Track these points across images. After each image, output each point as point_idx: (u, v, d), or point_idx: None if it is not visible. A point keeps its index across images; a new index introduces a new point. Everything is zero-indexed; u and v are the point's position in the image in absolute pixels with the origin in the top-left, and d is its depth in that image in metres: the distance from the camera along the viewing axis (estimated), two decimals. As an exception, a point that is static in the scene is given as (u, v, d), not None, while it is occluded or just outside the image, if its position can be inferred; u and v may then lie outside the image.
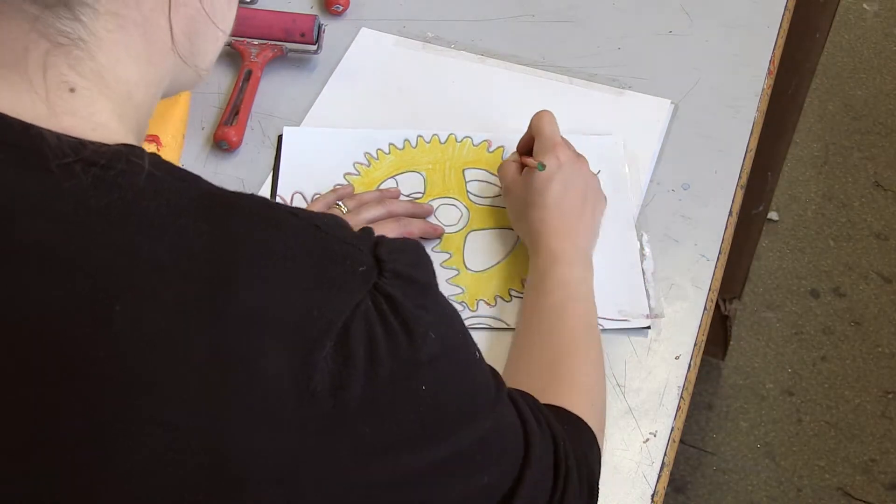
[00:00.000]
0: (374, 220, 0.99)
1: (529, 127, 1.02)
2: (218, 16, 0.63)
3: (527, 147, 1.01)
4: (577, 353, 0.86)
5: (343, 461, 0.54)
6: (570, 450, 0.72)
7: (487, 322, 0.97)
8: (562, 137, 1.00)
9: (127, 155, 0.55)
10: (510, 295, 0.99)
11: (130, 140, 0.59)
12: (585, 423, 0.79)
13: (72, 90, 0.56)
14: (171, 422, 0.51)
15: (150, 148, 1.01)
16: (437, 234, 1.03)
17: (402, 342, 0.55)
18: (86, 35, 0.56)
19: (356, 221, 0.97)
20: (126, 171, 0.54)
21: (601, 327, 0.95)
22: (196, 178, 0.56)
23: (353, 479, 0.55)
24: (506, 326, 0.96)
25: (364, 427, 0.54)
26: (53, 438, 0.51)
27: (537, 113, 1.01)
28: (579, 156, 1.00)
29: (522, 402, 0.70)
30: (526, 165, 0.99)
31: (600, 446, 0.80)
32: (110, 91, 0.58)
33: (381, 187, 1.06)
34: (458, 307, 0.97)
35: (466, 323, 0.94)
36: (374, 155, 1.09)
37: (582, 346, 0.87)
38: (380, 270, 0.56)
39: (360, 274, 0.55)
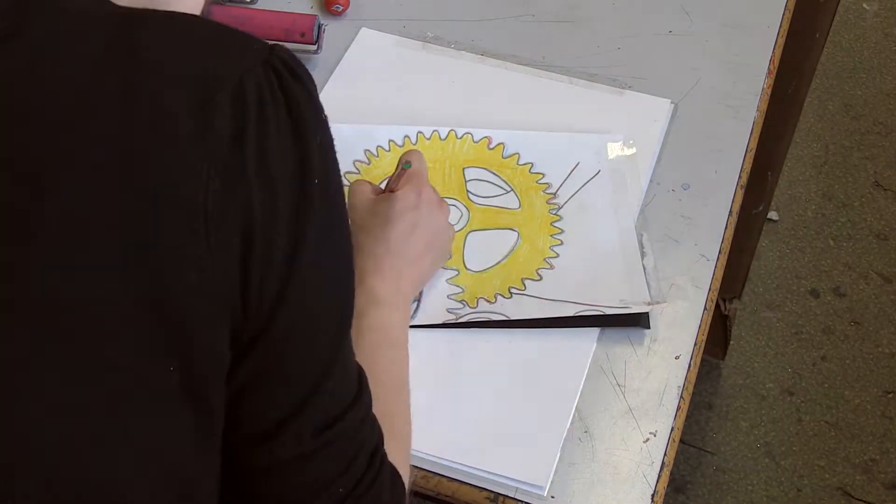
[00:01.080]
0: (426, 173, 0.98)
1: (398, 162, 0.98)
2: None
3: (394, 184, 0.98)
4: (393, 402, 0.82)
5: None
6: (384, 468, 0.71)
7: (487, 316, 0.97)
8: (427, 182, 0.96)
9: None
10: (510, 292, 0.99)
11: None
12: (400, 478, 0.74)
13: None
14: (94, 161, 0.55)
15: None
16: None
17: (283, 114, 0.59)
18: None
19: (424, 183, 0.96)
20: None
21: (601, 314, 0.95)
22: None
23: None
24: (506, 318, 0.97)
25: (257, 189, 0.57)
26: None
27: (408, 151, 0.99)
28: (442, 202, 0.96)
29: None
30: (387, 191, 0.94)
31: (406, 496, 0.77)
32: None
33: (381, 185, 1.06)
34: (458, 305, 0.97)
35: (466, 319, 0.96)
36: (375, 152, 1.09)
37: (397, 395, 0.83)
38: (271, 52, 0.60)
39: (253, 50, 0.60)
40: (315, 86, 0.62)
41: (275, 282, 0.59)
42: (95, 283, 0.54)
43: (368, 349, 0.82)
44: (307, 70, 0.62)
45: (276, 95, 0.59)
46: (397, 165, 0.98)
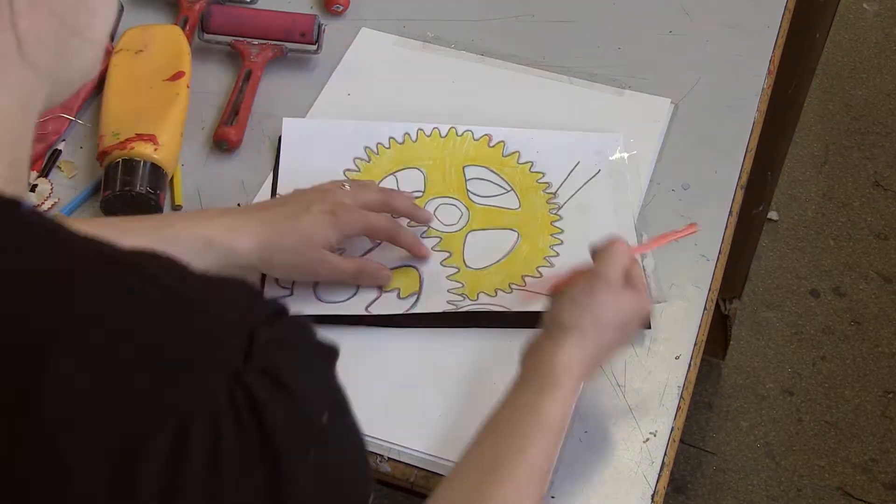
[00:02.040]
0: (371, 205, 0.96)
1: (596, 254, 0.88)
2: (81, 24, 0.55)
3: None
4: (518, 487, 0.76)
5: None
6: None
7: (488, 307, 0.97)
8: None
9: None
10: (510, 287, 0.99)
11: None
12: None
13: None
14: None
15: (147, 148, 1.01)
16: (421, 256, 0.99)
17: (254, 456, 0.45)
18: None
19: (353, 198, 0.95)
20: None
21: None
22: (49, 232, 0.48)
23: None
24: (505, 309, 0.97)
25: None
26: None
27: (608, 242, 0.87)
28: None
29: None
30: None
31: None
32: None
33: (382, 184, 1.06)
34: (458, 298, 0.97)
35: (467, 309, 0.96)
36: (375, 150, 1.09)
37: (528, 484, 0.77)
38: (247, 357, 0.46)
39: (219, 361, 0.46)
40: (326, 395, 0.50)
41: None
42: None
43: (528, 428, 0.78)
44: (314, 366, 0.50)
45: (243, 425, 0.45)
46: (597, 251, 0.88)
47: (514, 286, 0.99)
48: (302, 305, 0.96)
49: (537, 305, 0.97)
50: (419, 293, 0.97)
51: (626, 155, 1.09)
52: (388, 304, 0.97)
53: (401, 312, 0.96)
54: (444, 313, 0.96)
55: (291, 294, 0.97)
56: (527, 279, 0.99)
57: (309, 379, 0.49)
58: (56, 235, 0.48)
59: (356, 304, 0.96)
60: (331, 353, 0.52)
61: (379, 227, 0.96)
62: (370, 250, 1.01)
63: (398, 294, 0.97)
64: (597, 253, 0.87)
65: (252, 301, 0.49)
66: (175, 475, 0.43)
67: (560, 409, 0.79)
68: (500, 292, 0.98)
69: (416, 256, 0.99)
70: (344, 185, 0.97)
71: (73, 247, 0.48)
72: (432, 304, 0.97)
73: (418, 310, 0.96)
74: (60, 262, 0.46)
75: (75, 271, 0.46)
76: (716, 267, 1.02)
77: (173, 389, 0.44)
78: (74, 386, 0.43)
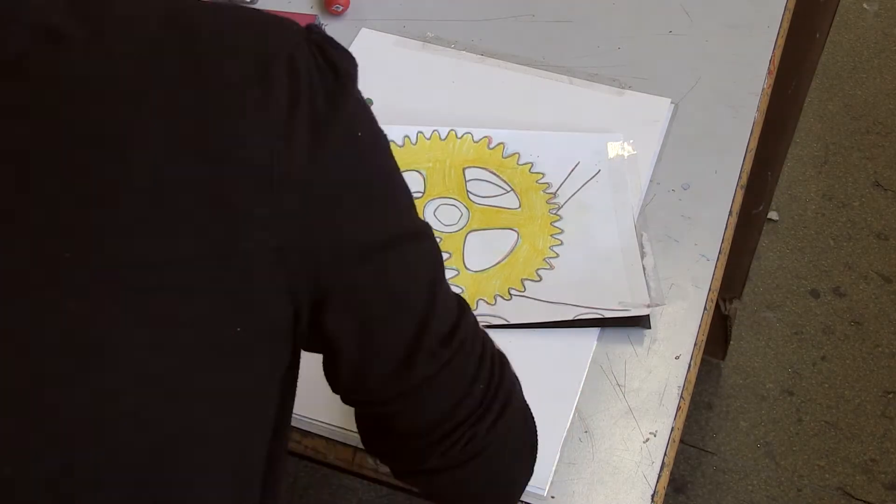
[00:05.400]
0: None
1: None
2: None
3: None
4: None
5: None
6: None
7: (487, 320, 0.97)
8: None
9: None
10: (510, 294, 0.99)
11: None
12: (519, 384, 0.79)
13: None
14: (164, 129, 0.57)
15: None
16: None
17: (330, 81, 0.62)
18: None
19: None
20: None
21: (601, 317, 0.95)
22: None
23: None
24: (505, 322, 0.96)
25: (313, 150, 0.60)
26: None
27: None
28: None
29: None
30: None
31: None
32: None
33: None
34: None
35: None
36: (374, 155, 1.08)
37: None
38: (308, 31, 0.63)
39: (294, 31, 0.62)
40: (352, 58, 0.66)
41: (350, 230, 0.63)
42: (172, 246, 0.57)
43: None
44: (341, 45, 0.65)
45: (321, 66, 0.62)
46: None
47: (513, 292, 0.99)
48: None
49: (535, 315, 0.97)
50: None
51: (625, 155, 1.09)
52: None
53: None
54: None
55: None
56: (526, 283, 0.99)
57: (348, 55, 0.65)
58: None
59: None
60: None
61: None
62: None
63: None
64: None
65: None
66: (293, 89, 0.60)
67: None
68: (499, 299, 0.98)
69: None
70: None
71: None
72: None
73: None
74: None
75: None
76: (716, 267, 1.02)
77: (279, 38, 0.61)
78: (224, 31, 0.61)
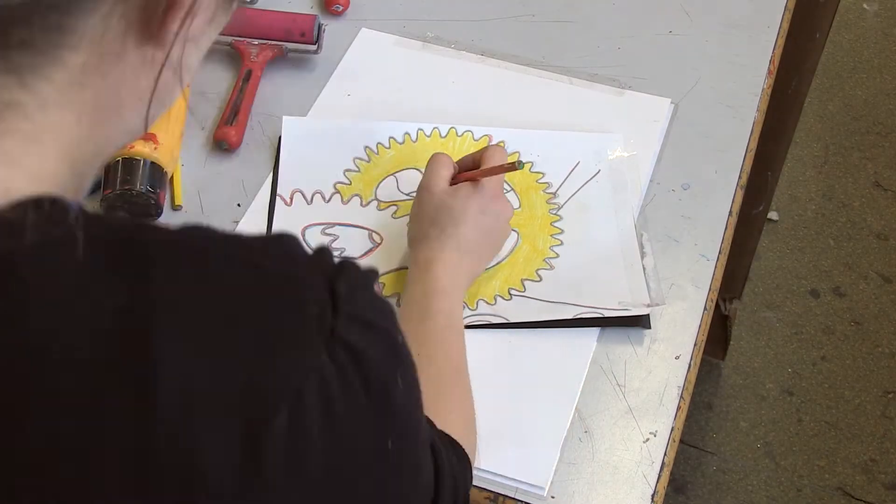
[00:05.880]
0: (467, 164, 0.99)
1: (481, 155, 0.98)
2: (187, 76, 0.55)
3: (466, 167, 0.99)
4: (458, 384, 0.85)
5: None
6: (449, 473, 0.66)
7: (487, 319, 0.97)
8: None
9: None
10: (510, 294, 0.99)
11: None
12: (462, 448, 0.74)
13: None
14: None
15: (146, 146, 1.01)
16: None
17: (362, 401, 0.48)
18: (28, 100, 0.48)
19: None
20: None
21: (601, 317, 0.95)
22: (116, 220, 0.49)
23: None
24: (505, 321, 0.96)
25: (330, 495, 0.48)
26: None
27: (490, 146, 1.00)
28: (508, 202, 0.97)
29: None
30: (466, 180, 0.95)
31: (472, 467, 0.76)
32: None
33: (381, 185, 1.06)
34: None
35: (467, 321, 0.96)
36: (375, 149, 1.09)
37: (461, 378, 0.86)
38: (335, 309, 0.47)
39: (313, 321, 0.47)
40: (392, 315, 0.52)
41: None
42: None
43: (436, 332, 0.86)
44: (380, 298, 0.52)
45: (348, 377, 0.47)
46: (481, 154, 0.98)
47: (513, 292, 0.99)
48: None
49: (536, 314, 0.97)
50: None
51: (625, 155, 1.09)
52: None
53: None
54: None
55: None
56: (526, 283, 0.99)
57: (378, 307, 0.51)
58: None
59: None
60: (374, 274, 0.54)
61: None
62: (370, 251, 1.01)
63: (397, 301, 0.97)
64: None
65: (315, 254, 0.50)
66: (295, 441, 0.45)
67: (457, 309, 0.90)
68: (499, 299, 0.98)
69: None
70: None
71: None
72: None
73: None
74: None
75: (157, 259, 0.46)
76: (716, 267, 1.02)
77: (283, 361, 0.45)
78: (192, 380, 0.44)
